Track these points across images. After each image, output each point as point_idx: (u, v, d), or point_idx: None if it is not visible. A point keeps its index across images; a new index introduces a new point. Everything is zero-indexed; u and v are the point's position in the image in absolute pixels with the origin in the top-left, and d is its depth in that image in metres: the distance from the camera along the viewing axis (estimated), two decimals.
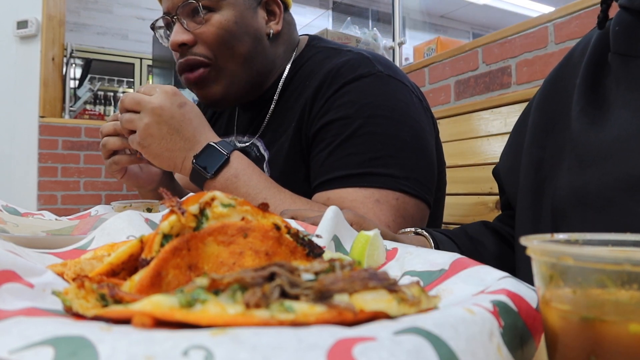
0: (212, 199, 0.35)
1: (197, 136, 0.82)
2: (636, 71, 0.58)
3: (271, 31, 0.93)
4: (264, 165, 0.94)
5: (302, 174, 0.90)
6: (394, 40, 3.13)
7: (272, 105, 0.96)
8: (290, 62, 0.97)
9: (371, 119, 0.83)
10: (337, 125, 0.84)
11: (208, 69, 0.89)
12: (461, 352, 0.23)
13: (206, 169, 0.80)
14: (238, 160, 0.82)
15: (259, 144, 0.98)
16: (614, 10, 0.63)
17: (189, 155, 0.81)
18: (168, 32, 0.95)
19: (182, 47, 0.89)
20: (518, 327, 0.28)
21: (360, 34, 3.23)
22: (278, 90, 0.96)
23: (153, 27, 0.98)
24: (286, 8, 0.98)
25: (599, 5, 0.64)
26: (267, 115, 0.97)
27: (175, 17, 0.88)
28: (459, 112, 1.73)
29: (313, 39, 1.03)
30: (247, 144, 0.99)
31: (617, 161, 0.51)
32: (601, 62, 0.63)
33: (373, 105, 0.84)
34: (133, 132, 0.82)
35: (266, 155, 0.95)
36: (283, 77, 0.96)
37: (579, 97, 0.63)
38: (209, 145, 0.81)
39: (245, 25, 0.89)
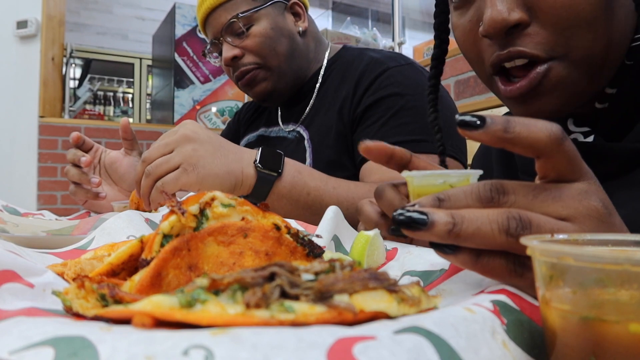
0: (212, 199, 0.35)
1: (237, 146, 0.80)
2: None
3: (300, 29, 1.09)
4: (305, 142, 1.06)
5: (344, 149, 1.02)
6: (393, 40, 3.13)
7: (314, 95, 1.10)
8: (327, 58, 1.13)
9: (417, 95, 0.95)
10: (387, 102, 0.96)
11: (257, 71, 1.05)
12: (462, 350, 0.23)
13: (272, 170, 0.77)
14: (289, 159, 0.81)
15: (300, 129, 1.10)
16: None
17: (245, 164, 0.77)
18: (218, 56, 1.13)
19: (234, 61, 1.05)
20: (523, 322, 0.28)
21: (360, 34, 3.23)
22: (319, 81, 1.11)
23: (204, 53, 1.15)
24: (306, 8, 1.13)
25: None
26: (309, 106, 1.11)
27: (221, 39, 1.06)
28: (459, 112, 1.72)
29: (347, 45, 1.20)
30: (291, 130, 1.12)
31: None
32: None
33: (415, 85, 0.98)
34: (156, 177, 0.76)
35: (305, 136, 1.08)
36: (322, 69, 1.12)
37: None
38: (263, 148, 0.79)
39: (280, 28, 1.06)
